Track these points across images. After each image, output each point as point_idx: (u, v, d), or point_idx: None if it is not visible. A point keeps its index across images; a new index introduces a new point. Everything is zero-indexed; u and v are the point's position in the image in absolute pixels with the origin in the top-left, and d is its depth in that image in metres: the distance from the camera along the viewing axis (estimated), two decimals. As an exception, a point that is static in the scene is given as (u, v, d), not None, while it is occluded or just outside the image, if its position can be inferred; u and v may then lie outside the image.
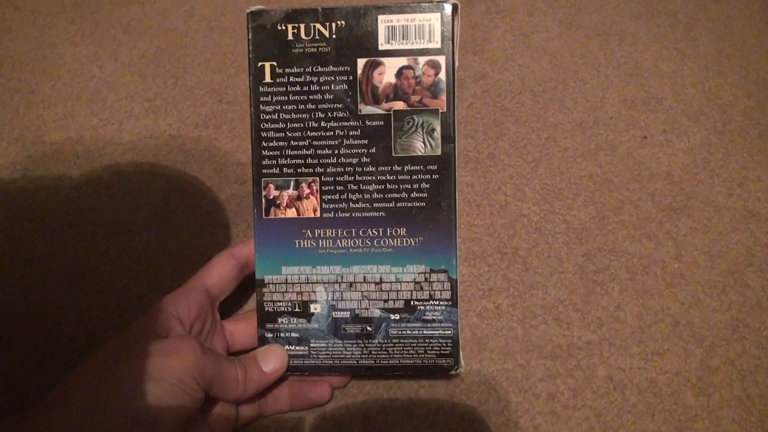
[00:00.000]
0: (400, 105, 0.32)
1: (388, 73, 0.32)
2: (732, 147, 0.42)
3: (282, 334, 0.33)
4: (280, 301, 0.33)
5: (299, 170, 0.33)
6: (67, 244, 0.40)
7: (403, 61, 0.32)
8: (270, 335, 0.33)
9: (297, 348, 0.33)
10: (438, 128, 0.32)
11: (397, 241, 0.33)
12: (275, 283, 0.33)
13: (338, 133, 0.33)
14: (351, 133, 0.33)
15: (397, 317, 0.33)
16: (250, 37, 0.33)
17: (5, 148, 0.44)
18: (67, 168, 0.43)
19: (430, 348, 0.33)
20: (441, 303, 0.33)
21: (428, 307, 0.33)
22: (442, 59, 0.32)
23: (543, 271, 0.39)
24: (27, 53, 0.47)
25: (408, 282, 0.33)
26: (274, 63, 0.33)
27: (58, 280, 0.39)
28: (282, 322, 0.33)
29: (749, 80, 0.44)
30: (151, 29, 0.47)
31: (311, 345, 0.33)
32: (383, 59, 0.32)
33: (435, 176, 0.32)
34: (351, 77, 0.33)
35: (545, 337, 0.37)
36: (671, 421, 0.35)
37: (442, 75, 0.32)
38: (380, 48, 0.32)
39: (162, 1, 0.48)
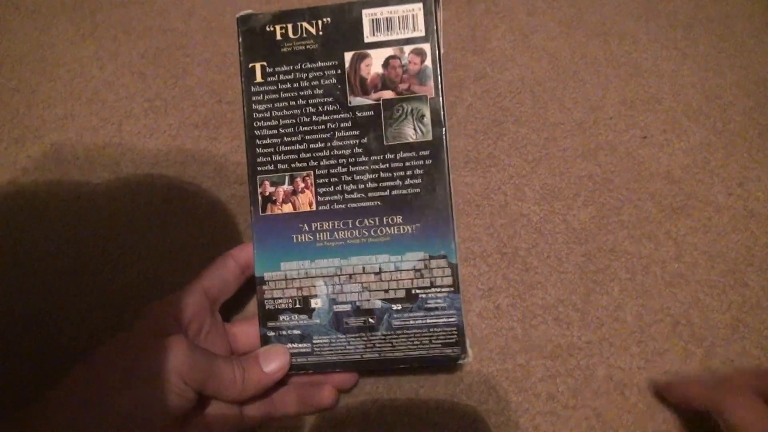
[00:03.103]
0: (388, 94, 0.33)
1: (374, 64, 0.33)
2: (732, 147, 0.42)
3: (284, 332, 0.33)
4: (280, 298, 0.33)
5: (293, 165, 0.33)
6: (67, 244, 0.40)
7: (389, 51, 0.33)
8: (272, 334, 0.33)
9: (300, 345, 0.33)
10: (427, 114, 0.33)
11: (394, 229, 0.33)
12: (275, 280, 0.33)
13: (330, 126, 0.33)
14: (342, 125, 0.33)
15: (399, 307, 0.33)
16: (240, 40, 0.34)
17: (5, 148, 0.44)
18: (67, 168, 0.43)
19: (435, 338, 0.32)
20: (443, 289, 0.32)
21: (430, 295, 0.32)
22: (427, 47, 0.33)
23: (543, 271, 0.39)
24: (27, 53, 0.47)
25: (408, 270, 0.33)
26: (264, 63, 0.34)
27: (58, 280, 0.39)
28: (283, 319, 0.33)
29: (749, 80, 0.44)
30: (151, 29, 0.47)
31: (314, 341, 0.33)
32: (369, 51, 0.33)
33: (428, 161, 0.33)
34: (339, 71, 0.33)
35: (545, 337, 0.37)
36: (671, 421, 0.35)
37: (428, 62, 0.33)
38: (366, 41, 0.33)
39: (162, 1, 0.48)
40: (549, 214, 0.40)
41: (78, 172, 0.43)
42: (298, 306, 0.33)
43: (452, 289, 0.32)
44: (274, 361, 0.32)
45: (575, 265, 0.39)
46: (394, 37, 0.33)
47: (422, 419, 0.35)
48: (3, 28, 0.48)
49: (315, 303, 0.33)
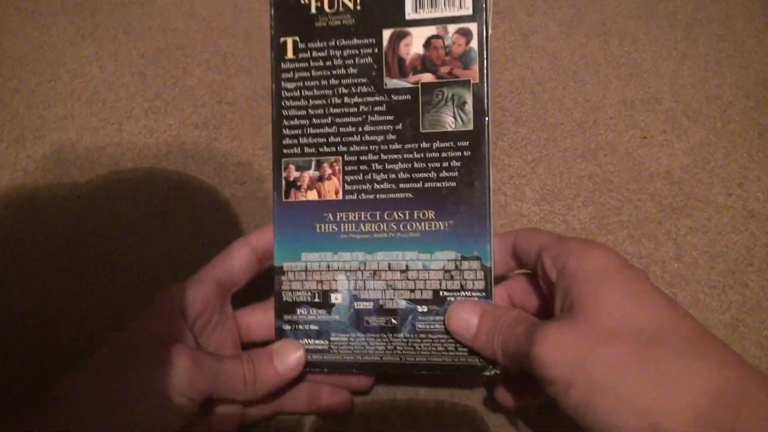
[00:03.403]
0: (428, 77, 0.30)
1: (415, 43, 0.30)
2: (732, 147, 0.42)
3: (300, 327, 0.31)
4: (299, 291, 0.31)
5: (321, 149, 0.31)
6: (67, 244, 0.40)
7: (431, 30, 0.30)
8: (288, 327, 0.31)
9: (316, 342, 0.31)
10: (470, 101, 0.30)
11: (425, 224, 0.30)
12: (294, 271, 0.31)
13: (362, 109, 0.31)
14: (376, 108, 0.31)
15: (425, 309, 0.30)
16: (272, 12, 0.32)
17: (5, 148, 0.44)
18: (67, 168, 0.43)
19: (460, 344, 0.30)
20: (473, 294, 0.30)
21: (459, 299, 0.30)
22: (473, 27, 0.30)
23: (543, 271, 0.39)
24: (27, 53, 0.47)
25: (437, 270, 0.30)
26: (297, 38, 0.32)
27: (58, 280, 0.39)
28: (301, 313, 0.31)
29: (749, 80, 0.44)
30: (151, 29, 0.47)
31: (331, 339, 0.31)
32: (410, 29, 0.31)
33: (466, 153, 0.30)
34: (376, 50, 0.31)
35: (545, 337, 0.37)
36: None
37: (474, 44, 0.30)
38: (407, 18, 0.31)
39: (162, 1, 0.48)
40: (549, 214, 0.40)
41: (78, 172, 0.43)
42: (317, 300, 0.31)
43: (484, 294, 0.30)
44: (288, 360, 0.30)
45: (575, 265, 0.39)
46: (439, 15, 0.30)
47: (422, 419, 0.35)
48: (3, 28, 0.48)
49: (335, 298, 0.31)
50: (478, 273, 0.30)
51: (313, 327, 0.31)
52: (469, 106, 0.30)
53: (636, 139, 0.42)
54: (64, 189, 0.42)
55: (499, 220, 0.40)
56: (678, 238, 0.39)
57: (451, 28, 0.30)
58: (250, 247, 0.32)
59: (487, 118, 0.30)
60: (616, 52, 0.45)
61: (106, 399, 0.26)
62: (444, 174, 0.30)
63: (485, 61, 0.30)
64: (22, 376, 0.37)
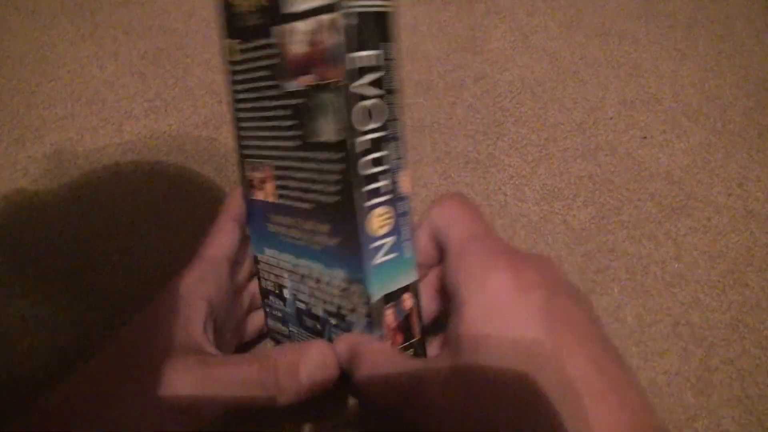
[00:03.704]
0: (309, 79, 0.25)
1: (303, 40, 0.25)
2: (732, 147, 0.42)
3: (273, 312, 0.34)
4: (268, 281, 0.33)
5: (261, 153, 0.30)
6: (67, 244, 0.40)
7: (312, 23, 0.25)
8: (267, 310, 0.34)
9: (282, 328, 0.33)
10: (338, 104, 0.24)
11: (322, 238, 0.27)
12: (263, 262, 0.33)
13: (275, 114, 0.28)
14: (281, 113, 0.28)
15: (334, 322, 0.28)
16: (218, 13, 0.30)
17: (5, 149, 0.44)
18: (67, 168, 0.43)
19: None
20: (359, 321, 0.27)
21: (353, 320, 0.27)
22: (338, 17, 0.23)
23: (543, 271, 0.39)
24: (27, 53, 0.47)
25: (336, 287, 0.27)
26: (237, 41, 0.29)
27: (58, 280, 0.39)
28: (271, 300, 0.33)
29: (749, 80, 0.44)
30: (151, 29, 0.47)
31: (290, 328, 0.32)
32: (298, 24, 0.25)
33: (341, 165, 0.25)
34: (279, 50, 0.27)
35: (545, 337, 0.37)
36: (671, 420, 0.35)
37: (341, 35, 0.23)
38: (293, 10, 0.25)
39: (162, 1, 0.48)
40: (549, 214, 0.40)
41: (78, 172, 0.43)
42: (277, 292, 0.32)
43: (368, 320, 0.26)
44: (314, 362, 0.25)
45: (575, 265, 0.39)
46: (318, 3, 0.24)
47: (422, 419, 0.35)
48: (3, 28, 0.48)
49: (285, 293, 0.32)
50: (361, 297, 0.26)
51: (278, 314, 0.33)
52: (339, 112, 0.24)
53: (636, 139, 0.42)
54: (64, 189, 0.42)
55: (499, 220, 0.40)
56: (678, 238, 0.39)
57: (326, 18, 0.24)
58: (234, 221, 0.32)
59: (351, 125, 0.24)
60: (616, 52, 0.45)
61: (116, 415, 0.24)
62: (330, 188, 0.26)
63: (350, 55, 0.24)
64: (22, 376, 0.37)
